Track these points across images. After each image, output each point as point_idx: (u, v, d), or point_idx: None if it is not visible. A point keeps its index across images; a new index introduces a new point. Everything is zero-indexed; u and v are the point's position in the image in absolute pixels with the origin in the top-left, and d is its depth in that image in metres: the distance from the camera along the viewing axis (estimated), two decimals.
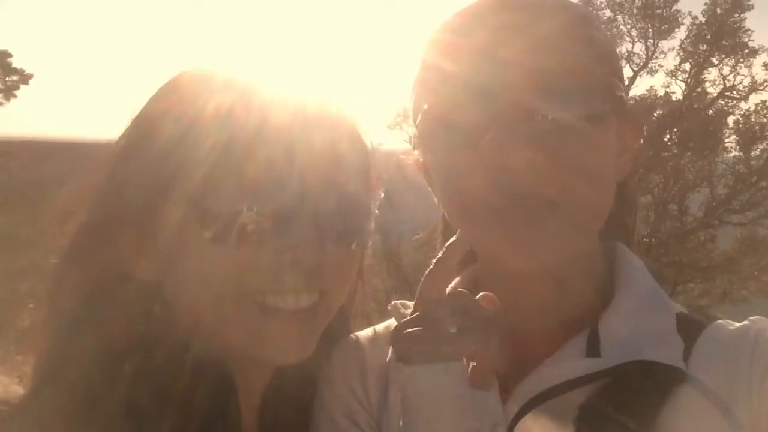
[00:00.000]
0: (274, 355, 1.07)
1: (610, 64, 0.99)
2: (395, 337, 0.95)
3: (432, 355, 0.90)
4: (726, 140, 16.46)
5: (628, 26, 16.21)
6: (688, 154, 15.85)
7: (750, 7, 15.67)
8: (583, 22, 0.99)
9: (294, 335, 1.05)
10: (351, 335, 1.23)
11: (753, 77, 16.17)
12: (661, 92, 16.55)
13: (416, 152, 1.11)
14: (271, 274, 1.01)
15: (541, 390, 0.94)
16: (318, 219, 1.02)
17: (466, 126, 0.94)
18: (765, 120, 16.16)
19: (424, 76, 1.03)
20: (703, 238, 16.17)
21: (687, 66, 16.48)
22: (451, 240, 0.98)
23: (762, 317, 0.99)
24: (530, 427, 0.94)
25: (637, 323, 0.98)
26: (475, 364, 0.92)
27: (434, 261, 0.98)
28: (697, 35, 16.19)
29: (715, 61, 16.29)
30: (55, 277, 1.09)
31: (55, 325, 1.08)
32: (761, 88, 16.12)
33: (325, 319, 1.11)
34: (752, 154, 16.11)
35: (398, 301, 1.10)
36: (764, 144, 16.14)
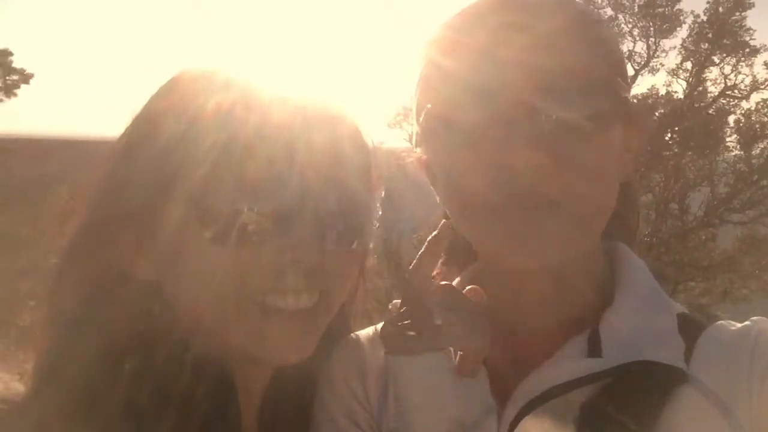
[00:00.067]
0: (275, 355, 1.07)
1: (614, 64, 0.98)
2: (384, 331, 0.98)
3: (419, 346, 0.94)
4: (727, 139, 16.46)
5: (630, 25, 16.19)
6: (689, 153, 15.84)
7: (751, 6, 15.66)
8: (585, 21, 0.98)
9: (294, 335, 1.05)
10: (351, 335, 1.23)
11: (754, 76, 16.16)
12: (662, 91, 16.55)
13: (418, 150, 1.11)
14: (271, 273, 1.01)
15: (542, 390, 0.94)
16: (319, 219, 1.02)
17: (468, 125, 0.94)
18: (766, 119, 16.14)
19: (426, 75, 1.03)
20: (704, 236, 16.16)
21: (688, 65, 16.47)
22: (433, 234, 1.01)
23: (763, 317, 0.99)
24: (531, 428, 0.94)
25: (638, 323, 0.98)
26: (462, 353, 0.94)
27: (418, 255, 1.01)
28: (698, 34, 16.17)
29: (716, 59, 16.28)
30: (56, 276, 1.09)
31: (56, 324, 1.07)
32: (762, 87, 16.10)
33: (326, 319, 1.11)
34: (753, 152, 16.09)
35: (398, 301, 1.10)
36: (765, 143, 16.13)
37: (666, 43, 16.41)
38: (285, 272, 1.01)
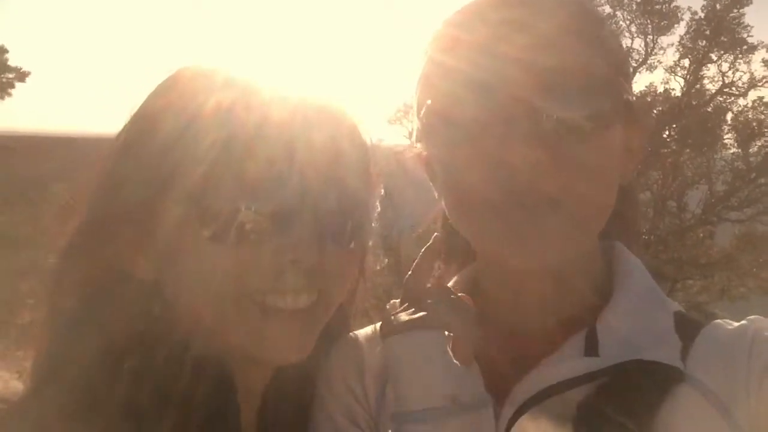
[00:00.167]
0: (274, 354, 1.07)
1: (616, 64, 0.97)
2: (381, 323, 1.03)
3: (411, 323, 0.98)
4: (725, 137, 16.45)
5: (627, 22, 16.16)
6: (687, 150, 15.82)
7: (749, 2, 15.63)
8: (587, 19, 0.97)
9: (293, 335, 1.05)
10: (350, 334, 1.23)
11: (752, 73, 16.14)
12: (660, 88, 16.53)
13: (418, 145, 1.11)
14: (270, 273, 1.01)
15: (540, 389, 0.95)
16: (318, 218, 1.02)
17: (467, 122, 0.94)
18: (763, 117, 16.14)
19: (427, 72, 1.02)
20: (701, 234, 16.15)
21: (686, 62, 16.44)
22: (426, 245, 1.07)
23: (760, 316, 0.99)
24: (528, 427, 0.95)
25: (636, 322, 0.99)
26: (453, 338, 0.97)
27: (414, 265, 1.06)
28: (696, 31, 16.15)
29: (714, 57, 16.25)
30: (55, 275, 1.09)
31: (55, 323, 1.07)
32: (760, 84, 16.09)
33: (324, 319, 1.11)
34: (751, 150, 16.07)
35: (396, 300, 1.10)
36: (763, 141, 16.11)
37: (664, 40, 16.39)
38: (284, 272, 1.01)
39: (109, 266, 1.06)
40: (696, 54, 16.29)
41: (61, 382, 1.00)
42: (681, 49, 16.37)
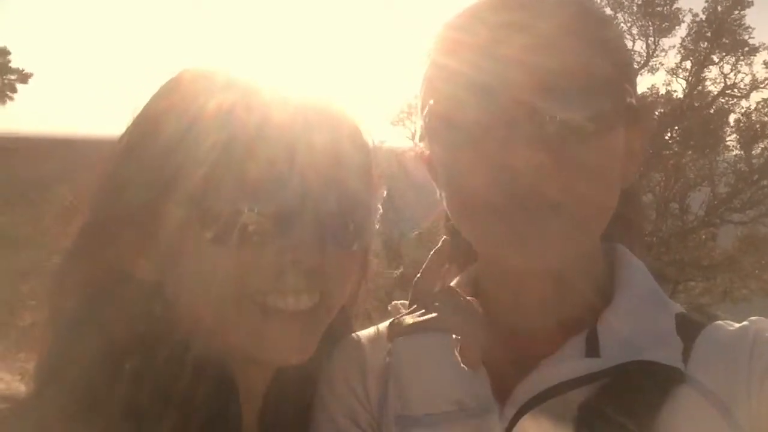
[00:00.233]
0: (275, 355, 1.07)
1: (619, 65, 0.97)
2: (389, 325, 1.01)
3: (418, 326, 0.97)
4: (727, 138, 16.44)
5: (629, 24, 16.15)
6: (689, 152, 15.82)
7: (750, 4, 15.63)
8: (588, 20, 0.97)
9: (295, 336, 1.05)
10: (352, 335, 1.23)
11: (754, 75, 16.14)
12: (662, 90, 16.53)
13: (421, 145, 1.11)
14: (272, 274, 1.01)
15: (541, 390, 0.95)
16: (319, 219, 1.02)
17: (469, 124, 0.94)
18: (766, 118, 16.12)
19: (429, 75, 1.02)
20: (704, 236, 16.13)
21: (688, 64, 16.45)
22: (435, 248, 1.06)
23: (761, 317, 0.99)
24: (530, 427, 0.95)
25: (637, 323, 0.98)
26: (461, 342, 0.95)
27: (422, 269, 1.05)
28: (697, 33, 16.15)
29: (715, 58, 16.26)
30: (57, 276, 1.09)
31: (57, 325, 1.08)
32: (762, 86, 16.08)
33: (326, 320, 1.11)
34: (753, 152, 16.06)
35: (399, 302, 1.10)
36: (765, 142, 16.10)
37: (665, 42, 16.39)
38: (285, 273, 1.01)
39: (111, 267, 1.06)
40: (698, 56, 16.30)
41: (63, 383, 1.00)
42: (682, 51, 16.38)
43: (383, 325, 1.22)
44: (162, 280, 1.06)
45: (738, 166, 15.94)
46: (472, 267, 1.15)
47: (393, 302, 1.10)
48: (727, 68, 16.24)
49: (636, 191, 1.18)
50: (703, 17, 16.08)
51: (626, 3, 16.10)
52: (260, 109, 1.00)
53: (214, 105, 1.00)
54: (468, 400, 0.93)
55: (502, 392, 0.98)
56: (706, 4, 16.06)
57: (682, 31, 16.26)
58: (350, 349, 1.19)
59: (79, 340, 1.02)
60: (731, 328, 0.98)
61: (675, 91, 16.54)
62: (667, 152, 15.60)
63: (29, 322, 1.14)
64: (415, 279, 1.05)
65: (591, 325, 0.99)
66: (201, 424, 0.99)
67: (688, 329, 0.99)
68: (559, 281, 1.01)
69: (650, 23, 16.19)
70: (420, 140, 1.10)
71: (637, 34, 16.24)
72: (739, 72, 16.18)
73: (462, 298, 1.01)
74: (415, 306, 1.02)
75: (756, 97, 16.20)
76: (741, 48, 15.93)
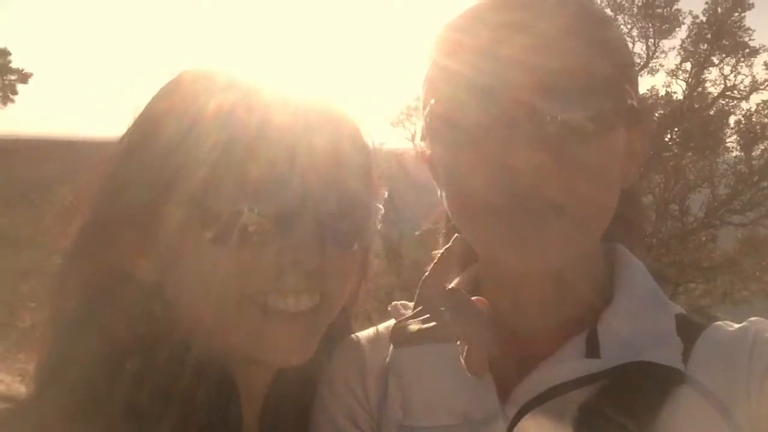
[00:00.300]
0: (275, 356, 1.07)
1: (619, 66, 0.97)
2: (393, 329, 0.97)
3: (424, 336, 0.92)
4: (727, 140, 16.45)
5: (629, 26, 16.17)
6: (689, 154, 15.83)
7: (750, 6, 15.65)
8: (589, 20, 0.97)
9: (295, 337, 1.05)
10: (352, 335, 1.23)
11: (754, 77, 16.16)
12: (662, 92, 16.54)
13: (423, 144, 1.11)
14: (272, 275, 1.01)
15: (541, 391, 0.95)
16: (319, 220, 1.02)
17: (470, 125, 0.94)
18: (766, 120, 16.14)
19: (431, 75, 1.03)
20: (704, 238, 16.14)
21: (688, 65, 16.47)
22: (446, 246, 1.01)
23: (761, 318, 0.99)
24: (529, 428, 0.95)
25: (637, 324, 0.98)
26: (467, 349, 0.93)
27: (430, 266, 1.01)
28: (697, 34, 16.17)
29: (715, 60, 16.27)
30: (58, 277, 1.09)
31: (57, 325, 1.08)
32: (762, 87, 16.10)
33: (327, 321, 1.11)
34: (753, 154, 16.08)
35: (399, 302, 1.10)
36: (765, 144, 16.12)
37: (665, 43, 16.42)
38: (286, 273, 1.01)
39: (112, 268, 1.06)
40: (698, 57, 16.32)
41: (64, 383, 1.00)
42: (682, 53, 16.41)
43: (383, 326, 1.22)
44: (162, 280, 1.06)
45: (738, 167, 15.95)
46: (473, 267, 1.15)
47: (393, 303, 1.10)
48: (727, 70, 16.28)
49: (637, 192, 1.17)
50: (704, 19, 16.11)
51: (626, 5, 16.13)
52: (261, 110, 1.01)
53: (215, 106, 1.00)
54: (473, 412, 0.90)
55: (503, 393, 0.98)
56: (706, 6, 16.10)
57: (682, 32, 16.31)
58: (350, 349, 1.19)
59: (80, 341, 1.02)
60: (731, 329, 0.98)
61: (675, 92, 16.58)
62: (667, 154, 15.61)
63: (29, 323, 1.14)
64: (423, 278, 1.02)
65: (591, 326, 0.99)
66: (201, 424, 0.99)
67: (689, 330, 0.99)
68: (559, 282, 1.01)
69: (650, 25, 16.22)
70: (421, 140, 1.10)
71: (637, 36, 16.27)
72: (739, 74, 16.22)
73: (469, 302, 0.97)
74: (419, 309, 0.98)
75: (756, 98, 16.24)
76: (741, 50, 15.96)
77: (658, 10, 16.12)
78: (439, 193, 1.09)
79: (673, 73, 16.53)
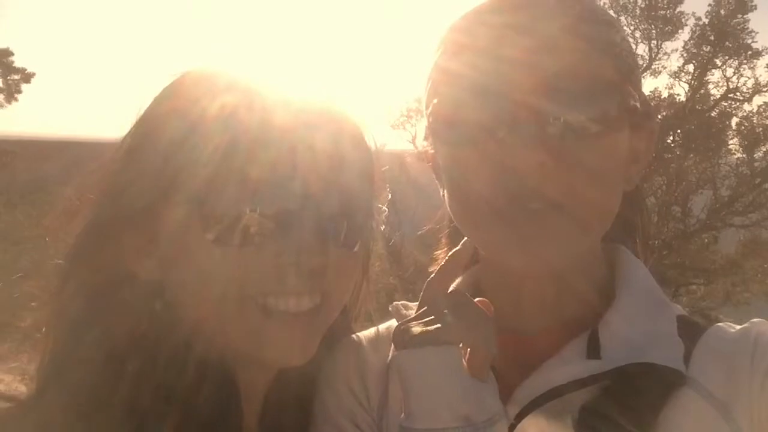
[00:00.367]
0: (276, 357, 1.07)
1: (622, 67, 0.96)
2: (396, 331, 0.97)
3: (427, 339, 0.92)
4: (729, 142, 16.44)
5: (632, 27, 16.16)
6: (692, 155, 15.81)
7: (753, 8, 15.63)
8: (591, 21, 0.96)
9: (296, 337, 1.05)
10: (353, 335, 1.23)
11: (756, 79, 16.14)
12: (664, 94, 16.53)
13: (425, 144, 1.11)
14: (273, 275, 1.01)
15: (542, 392, 0.94)
16: (320, 221, 1.02)
17: (472, 126, 0.94)
18: None
19: (433, 77, 1.02)
20: (706, 240, 16.13)
21: (690, 67, 16.45)
22: (454, 249, 1.02)
23: (763, 320, 0.99)
24: (531, 429, 0.95)
25: (638, 325, 0.98)
26: (470, 352, 0.93)
27: (436, 269, 1.01)
28: (700, 36, 16.15)
29: (718, 62, 16.25)
30: (59, 277, 1.09)
31: (59, 325, 1.08)
32: (765, 89, 16.07)
33: (327, 321, 1.11)
34: (755, 156, 16.06)
35: (399, 303, 1.10)
36: (767, 146, 16.11)
37: (668, 45, 16.40)
38: (287, 274, 1.01)
39: (113, 268, 1.06)
40: (700, 59, 16.30)
41: (65, 383, 1.00)
42: (685, 55, 16.39)
43: (384, 326, 1.22)
44: (164, 281, 1.06)
45: (740, 169, 15.93)
46: (474, 268, 1.15)
47: (393, 303, 1.09)
48: (729, 72, 16.26)
49: (641, 195, 1.17)
50: (706, 21, 16.09)
51: (629, 6, 16.11)
52: (262, 111, 1.01)
53: (217, 107, 1.01)
54: (476, 415, 0.89)
55: (504, 393, 0.98)
56: (709, 8, 16.08)
57: (685, 34, 16.28)
58: (350, 350, 1.19)
59: (81, 341, 1.02)
60: (733, 331, 0.98)
61: (677, 94, 16.57)
62: (669, 155, 15.59)
63: (30, 324, 1.14)
64: (427, 280, 1.01)
65: (592, 327, 0.99)
66: (202, 424, 0.99)
67: (690, 331, 0.99)
68: (560, 282, 1.01)
69: (653, 27, 16.20)
70: (424, 139, 1.10)
71: (640, 38, 16.25)
72: (741, 76, 16.20)
73: (473, 305, 0.97)
74: (422, 311, 0.98)
75: (758, 100, 16.23)
76: (744, 52, 15.94)
77: (661, 12, 16.11)
78: (441, 193, 1.09)
79: (675, 75, 16.53)
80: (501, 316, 1.05)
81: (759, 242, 15.73)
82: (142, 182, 1.04)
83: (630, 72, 0.99)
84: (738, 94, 16.33)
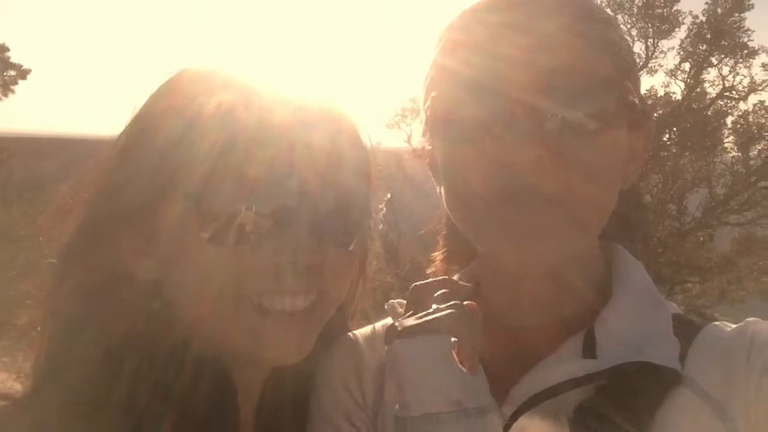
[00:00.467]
0: (272, 355, 1.07)
1: (620, 65, 0.97)
2: (386, 330, 0.98)
3: (416, 328, 0.94)
4: (725, 140, 16.47)
5: (629, 26, 16.16)
6: (687, 154, 15.83)
7: (750, 7, 15.66)
8: (589, 19, 0.96)
9: (292, 336, 1.05)
10: (349, 334, 1.23)
11: (752, 78, 16.17)
12: (660, 92, 16.55)
13: (423, 140, 1.11)
14: (269, 274, 1.01)
15: (537, 391, 0.94)
16: (317, 219, 1.02)
17: (469, 123, 0.94)
18: (763, 120, 16.15)
19: (431, 75, 1.03)
20: (701, 238, 16.16)
21: (687, 66, 16.48)
22: (450, 278, 1.04)
23: (758, 319, 0.99)
24: (526, 428, 0.94)
25: (634, 324, 0.98)
26: (458, 343, 0.93)
27: (428, 280, 1.03)
28: (697, 35, 16.17)
29: (714, 61, 16.28)
30: (55, 276, 1.09)
31: (55, 324, 1.07)
32: (760, 88, 16.11)
33: (323, 320, 1.11)
34: (751, 154, 16.09)
35: (395, 301, 1.10)
36: (762, 144, 16.13)
37: (664, 43, 16.41)
38: (283, 273, 1.01)
39: (109, 267, 1.06)
40: (696, 58, 16.32)
41: (61, 382, 1.00)
42: (682, 53, 16.41)
43: (380, 324, 1.22)
44: (160, 279, 1.06)
45: (735, 167, 15.96)
46: (472, 264, 1.16)
47: (389, 301, 1.10)
48: (725, 70, 16.29)
49: (639, 193, 1.17)
50: (703, 19, 16.11)
51: (626, 4, 16.12)
52: (258, 109, 1.00)
53: (213, 105, 1.00)
54: (467, 401, 0.91)
55: (499, 391, 0.98)
56: (705, 7, 16.09)
57: (681, 33, 16.30)
58: (346, 348, 1.19)
59: (77, 340, 1.02)
60: (728, 330, 0.98)
61: (674, 92, 16.59)
62: (665, 154, 15.62)
63: (26, 322, 1.14)
64: (415, 284, 1.03)
65: (588, 325, 0.99)
66: (199, 422, 0.99)
67: (686, 330, 0.99)
68: (555, 279, 1.01)
69: (650, 25, 16.21)
70: (422, 136, 1.10)
71: (637, 36, 16.26)
72: (737, 74, 16.23)
73: (462, 289, 1.00)
74: (411, 307, 1.00)
75: (754, 99, 16.25)
76: (740, 50, 15.97)
77: (658, 10, 16.12)
78: (438, 190, 1.09)
79: (671, 74, 16.55)
80: (498, 312, 1.06)
81: (754, 240, 15.76)
82: (138, 180, 1.03)
83: (629, 70, 0.99)
84: (734, 92, 16.36)
